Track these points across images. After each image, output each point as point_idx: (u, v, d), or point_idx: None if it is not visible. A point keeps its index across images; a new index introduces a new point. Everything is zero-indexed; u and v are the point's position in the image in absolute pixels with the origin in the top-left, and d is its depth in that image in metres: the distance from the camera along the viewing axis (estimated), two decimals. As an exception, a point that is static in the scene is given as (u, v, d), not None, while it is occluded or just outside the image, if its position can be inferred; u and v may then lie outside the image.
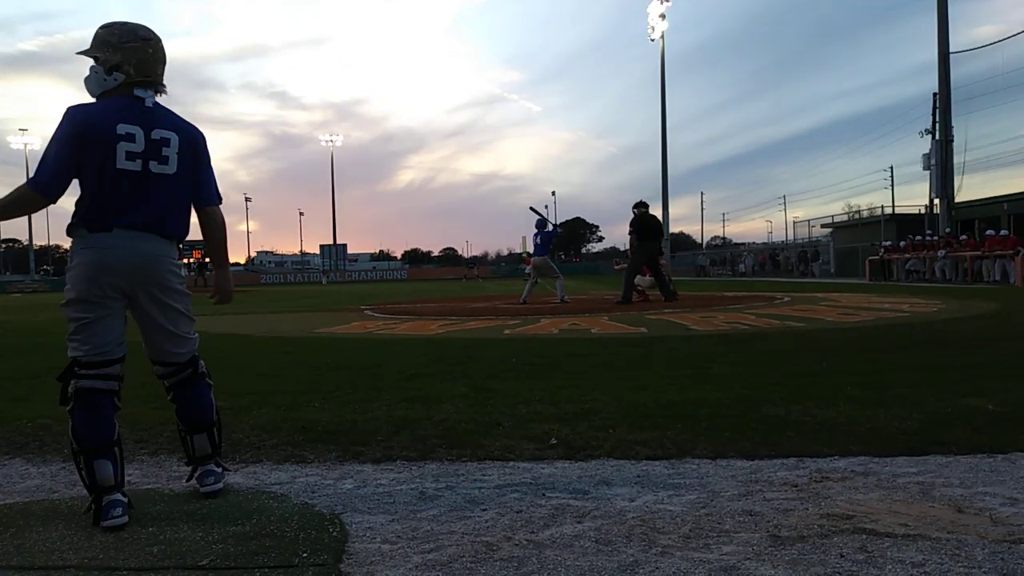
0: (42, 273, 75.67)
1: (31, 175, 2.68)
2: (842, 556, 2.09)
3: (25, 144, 74.99)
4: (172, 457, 3.48)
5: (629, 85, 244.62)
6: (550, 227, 15.32)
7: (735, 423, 3.71)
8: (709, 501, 2.63)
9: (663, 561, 2.11)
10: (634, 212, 14.50)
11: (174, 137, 2.83)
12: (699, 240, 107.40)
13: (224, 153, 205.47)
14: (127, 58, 2.76)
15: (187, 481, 3.01)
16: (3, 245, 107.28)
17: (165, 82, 2.90)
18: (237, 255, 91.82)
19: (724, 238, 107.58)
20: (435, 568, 2.14)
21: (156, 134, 2.78)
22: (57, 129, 2.66)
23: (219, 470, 3.01)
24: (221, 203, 3.05)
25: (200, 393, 2.99)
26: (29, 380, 5.99)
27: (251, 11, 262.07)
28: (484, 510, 2.63)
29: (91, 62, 2.78)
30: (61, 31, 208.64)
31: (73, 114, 2.69)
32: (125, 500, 2.66)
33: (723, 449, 3.27)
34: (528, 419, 3.94)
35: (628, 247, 15.53)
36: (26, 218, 77.30)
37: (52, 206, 2.84)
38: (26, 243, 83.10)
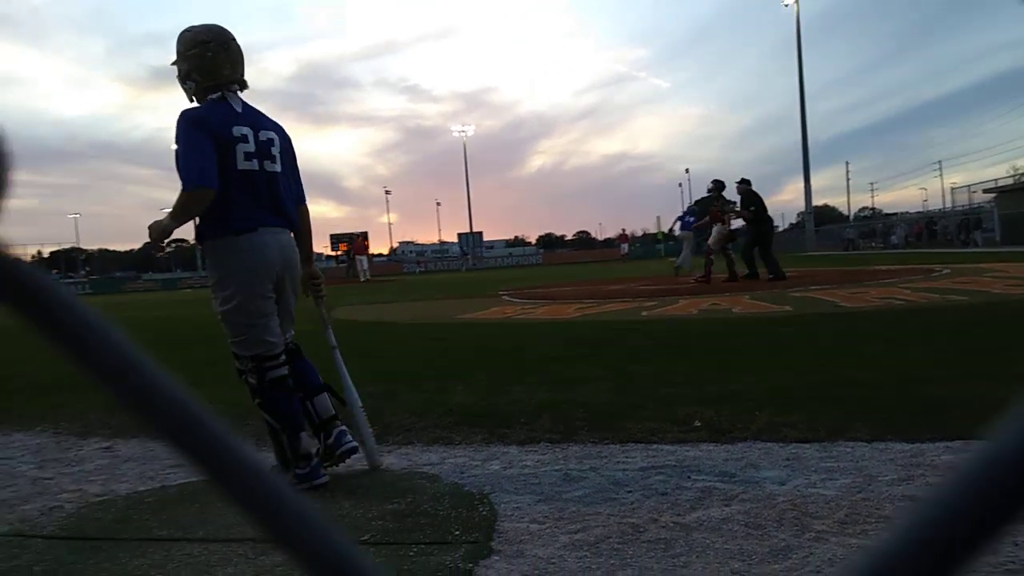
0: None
1: (186, 179, 2.80)
2: (1016, 545, 1.97)
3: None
4: (332, 439, 3.70)
5: (763, 53, 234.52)
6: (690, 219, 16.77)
7: (892, 404, 3.53)
8: (866, 485, 2.52)
9: (817, 547, 2.06)
10: (743, 188, 13.97)
11: (276, 137, 3.00)
12: (846, 212, 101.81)
13: (363, 149, 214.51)
14: (192, 66, 2.89)
15: (318, 455, 3.02)
16: (173, 245, 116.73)
17: (247, 78, 3.01)
18: (381, 246, 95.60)
19: (873, 209, 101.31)
20: (583, 548, 2.19)
21: (263, 135, 2.95)
22: (184, 132, 2.80)
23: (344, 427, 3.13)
24: None
25: (304, 361, 3.19)
26: (200, 367, 6.51)
27: (381, 8, 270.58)
28: (629, 492, 2.64)
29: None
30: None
31: (192, 116, 2.84)
32: None
33: (880, 431, 3.12)
34: (670, 401, 3.91)
35: (724, 224, 14.79)
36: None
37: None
38: (193, 242, 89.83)
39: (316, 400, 3.12)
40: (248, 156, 2.88)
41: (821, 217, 73.26)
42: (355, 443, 3.08)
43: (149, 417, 0.28)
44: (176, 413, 0.28)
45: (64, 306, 0.28)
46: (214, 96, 2.91)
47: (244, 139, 2.87)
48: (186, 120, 2.83)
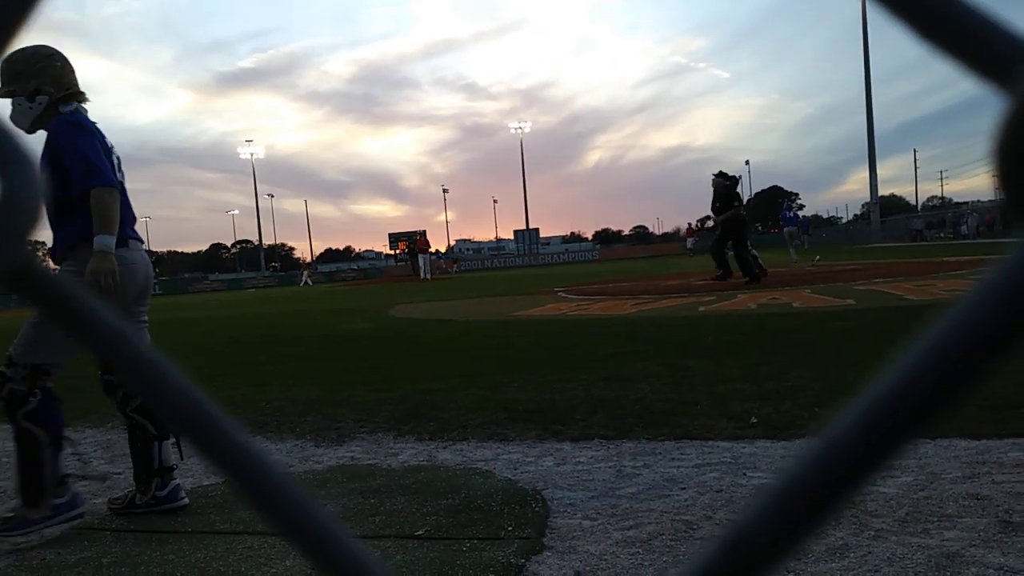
0: (271, 269, 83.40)
1: (106, 178, 2.68)
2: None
3: (251, 154, 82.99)
4: (389, 435, 3.76)
5: (825, 40, 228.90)
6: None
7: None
8: (928, 483, 2.45)
9: (876, 545, 2.01)
10: (719, 182, 12.81)
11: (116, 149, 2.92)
12: (913, 202, 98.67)
13: (420, 148, 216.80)
14: (43, 79, 2.74)
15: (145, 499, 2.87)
16: (238, 246, 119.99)
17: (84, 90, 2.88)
18: (439, 244, 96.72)
19: (943, 198, 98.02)
20: (635, 545, 2.18)
21: (116, 150, 2.90)
22: (77, 135, 2.70)
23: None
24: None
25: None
26: (263, 367, 6.68)
27: (438, 8, 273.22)
28: (683, 489, 2.62)
29: (8, 101, 2.76)
30: (273, 47, 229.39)
31: (80, 120, 2.75)
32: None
33: (943, 428, 3.02)
34: (726, 397, 3.86)
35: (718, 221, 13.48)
36: (255, 219, 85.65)
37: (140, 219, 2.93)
38: (257, 243, 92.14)
39: (167, 444, 2.91)
40: (117, 166, 2.85)
41: (887, 207, 71.14)
42: (186, 501, 2.90)
43: (156, 405, 0.30)
44: (183, 404, 0.30)
45: (76, 303, 0.30)
46: (69, 108, 2.79)
47: (112, 149, 2.85)
48: (74, 123, 2.74)
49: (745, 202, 13.55)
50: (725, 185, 12.79)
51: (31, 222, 0.28)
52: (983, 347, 0.19)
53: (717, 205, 12.66)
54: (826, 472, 0.21)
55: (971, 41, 0.20)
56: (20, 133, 0.29)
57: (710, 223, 13.33)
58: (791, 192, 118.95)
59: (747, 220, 13.12)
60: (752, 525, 0.22)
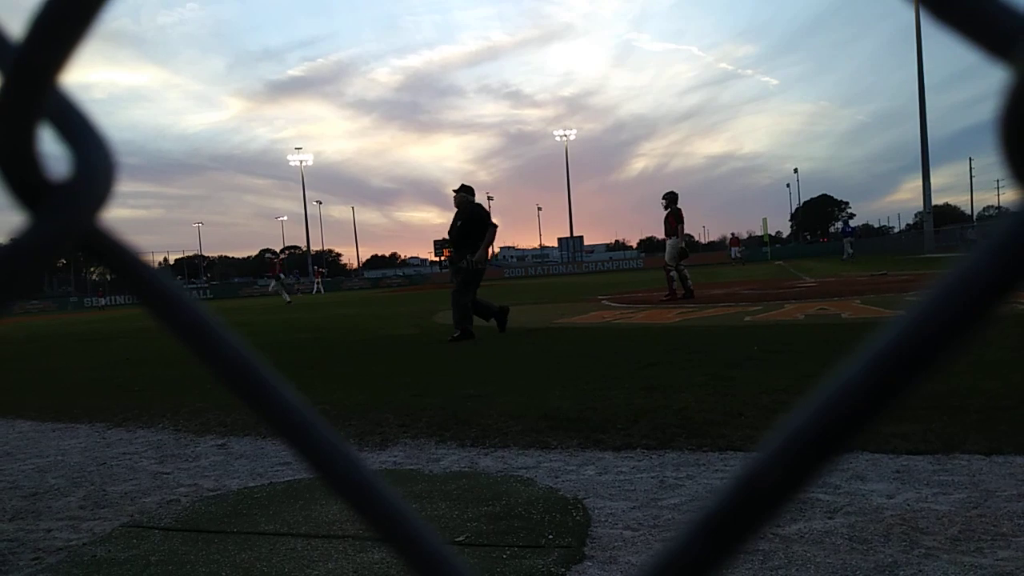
0: (320, 275, 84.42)
1: None
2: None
3: (301, 161, 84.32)
4: (431, 440, 3.78)
5: (878, 45, 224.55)
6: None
7: (1015, 415, 3.31)
8: (982, 501, 2.38)
9: (927, 564, 1.96)
10: (465, 198, 9.35)
11: None
12: (968, 212, 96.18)
13: (465, 155, 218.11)
14: None
15: None
16: (287, 251, 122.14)
17: None
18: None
19: (1000, 207, 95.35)
20: (677, 556, 2.15)
21: None
22: None
23: None
24: None
25: None
26: (307, 370, 6.78)
27: (483, 16, 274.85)
28: (727, 501, 2.58)
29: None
30: (321, 55, 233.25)
31: None
32: None
33: (999, 444, 2.93)
34: (772, 409, 3.79)
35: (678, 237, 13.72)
36: (303, 226, 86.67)
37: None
38: (305, 249, 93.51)
39: None
40: None
41: (941, 217, 69.47)
42: None
43: (261, 413, 0.31)
44: (286, 410, 0.31)
45: (184, 305, 0.31)
46: None
47: None
48: None
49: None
50: (472, 203, 9.36)
51: (107, 193, 0.29)
52: (984, 292, 0.20)
53: (458, 224, 9.21)
54: (840, 408, 0.21)
55: (977, 16, 0.21)
56: (89, 108, 0.30)
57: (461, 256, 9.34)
58: (841, 201, 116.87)
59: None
60: (763, 466, 0.22)
